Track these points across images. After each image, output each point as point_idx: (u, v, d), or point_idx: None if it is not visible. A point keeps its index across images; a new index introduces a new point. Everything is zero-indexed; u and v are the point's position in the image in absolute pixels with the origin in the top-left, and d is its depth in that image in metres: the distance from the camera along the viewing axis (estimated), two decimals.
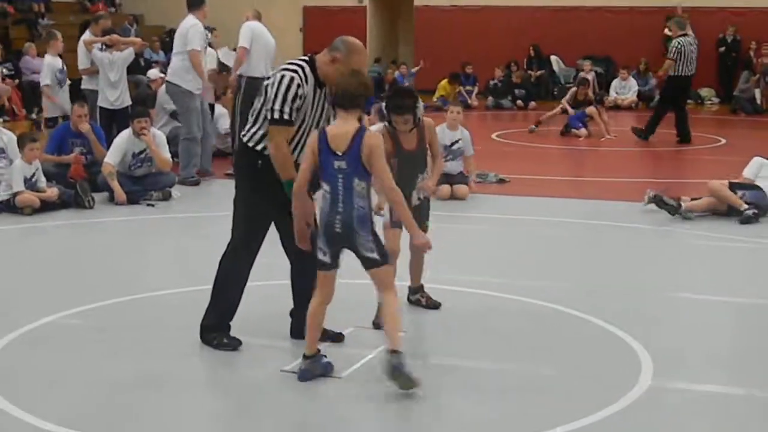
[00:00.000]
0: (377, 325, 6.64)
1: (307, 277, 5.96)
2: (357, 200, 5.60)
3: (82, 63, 14.05)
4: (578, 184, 13.16)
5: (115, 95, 13.56)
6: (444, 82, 23.97)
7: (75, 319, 6.97)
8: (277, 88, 5.94)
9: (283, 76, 5.96)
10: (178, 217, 11.08)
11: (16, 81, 20.57)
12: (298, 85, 5.95)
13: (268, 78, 6.12)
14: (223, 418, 5.35)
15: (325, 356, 5.87)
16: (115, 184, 11.33)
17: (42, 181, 10.95)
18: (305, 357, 5.79)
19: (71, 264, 8.77)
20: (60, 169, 11.77)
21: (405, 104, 6.83)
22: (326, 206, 5.67)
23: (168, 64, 16.37)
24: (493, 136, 18.77)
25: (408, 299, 7.30)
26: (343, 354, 6.16)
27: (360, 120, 5.72)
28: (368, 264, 5.68)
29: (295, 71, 5.99)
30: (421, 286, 7.29)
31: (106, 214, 10.91)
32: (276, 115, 5.91)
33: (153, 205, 11.29)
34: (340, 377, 5.81)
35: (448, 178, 11.40)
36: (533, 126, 19.13)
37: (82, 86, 14.34)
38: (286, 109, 5.90)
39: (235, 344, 6.27)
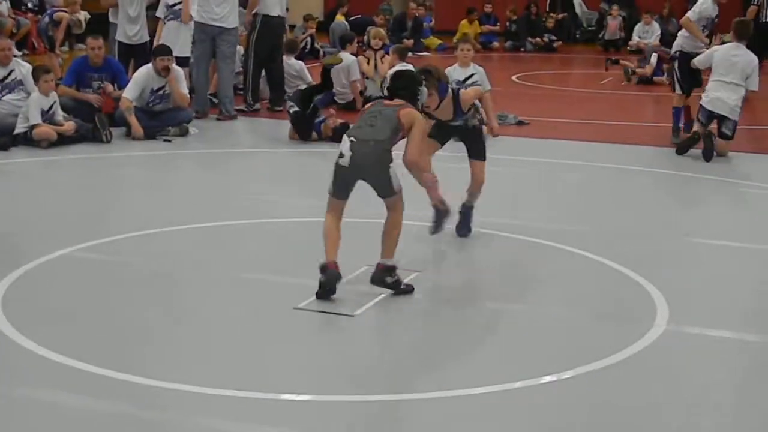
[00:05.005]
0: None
1: None
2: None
3: None
4: (599, 128, 13.03)
5: (133, 30, 13.44)
6: (464, 21, 23.74)
7: (89, 253, 6.96)
8: None
9: None
10: (195, 152, 11.04)
11: (39, 16, 20.40)
12: None
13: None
14: (236, 354, 5.34)
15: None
16: (132, 119, 11.28)
17: (59, 114, 10.90)
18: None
19: (87, 198, 8.76)
20: (78, 102, 11.69)
21: (393, 86, 6.44)
22: None
23: None
24: (513, 77, 18.61)
25: None
26: (356, 292, 6.15)
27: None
28: None
29: None
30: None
31: (122, 148, 10.87)
32: None
33: (170, 141, 11.24)
34: (353, 315, 5.80)
35: None
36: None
37: (110, 19, 14.21)
38: None
39: None
